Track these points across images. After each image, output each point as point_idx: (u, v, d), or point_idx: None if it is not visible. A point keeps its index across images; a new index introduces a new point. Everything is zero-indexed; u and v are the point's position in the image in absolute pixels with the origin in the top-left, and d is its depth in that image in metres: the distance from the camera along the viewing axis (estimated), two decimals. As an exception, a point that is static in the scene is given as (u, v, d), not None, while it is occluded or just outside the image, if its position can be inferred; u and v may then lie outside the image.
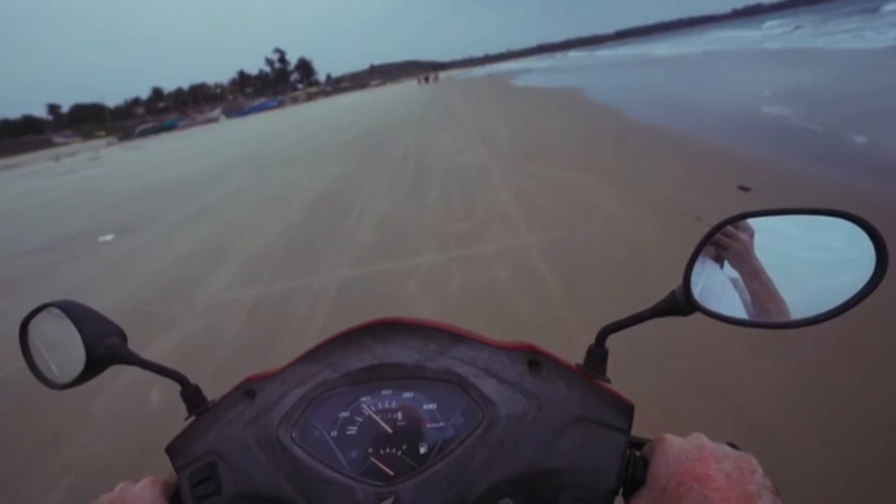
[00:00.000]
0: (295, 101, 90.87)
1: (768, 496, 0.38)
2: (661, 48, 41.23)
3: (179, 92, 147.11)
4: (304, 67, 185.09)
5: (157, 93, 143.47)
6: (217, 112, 70.39)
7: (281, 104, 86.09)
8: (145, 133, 59.88)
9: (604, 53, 59.31)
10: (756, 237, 0.45)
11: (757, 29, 44.48)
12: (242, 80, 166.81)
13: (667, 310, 0.48)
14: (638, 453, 0.48)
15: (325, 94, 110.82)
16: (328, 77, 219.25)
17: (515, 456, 0.46)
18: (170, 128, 62.37)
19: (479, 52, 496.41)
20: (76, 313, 0.54)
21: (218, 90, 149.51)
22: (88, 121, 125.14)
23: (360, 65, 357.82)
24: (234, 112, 75.12)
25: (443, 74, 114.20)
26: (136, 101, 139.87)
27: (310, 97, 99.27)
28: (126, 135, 60.84)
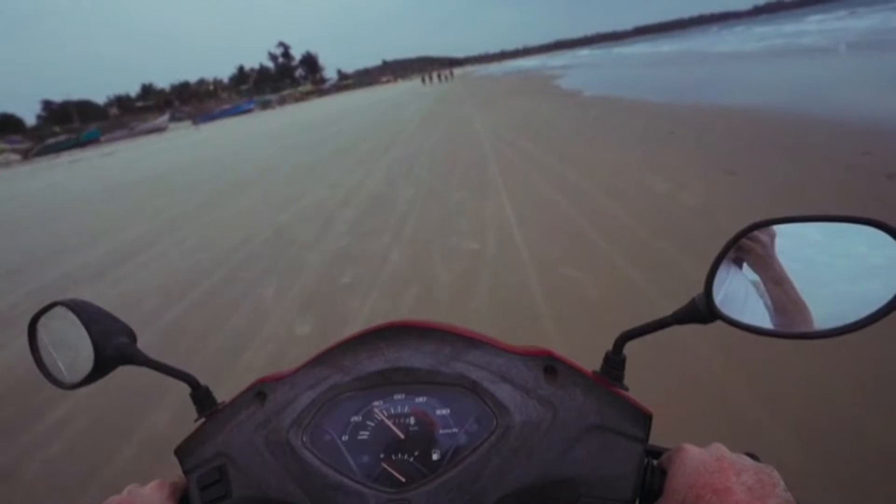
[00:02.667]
0: (283, 102, 78.43)
1: None
2: (718, 44, 32.22)
3: (172, 88, 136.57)
4: (310, 62, 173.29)
5: (146, 89, 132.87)
6: (164, 119, 58.26)
7: (266, 106, 73.79)
8: (49, 150, 46.95)
9: (641, 50, 48.85)
10: (779, 243, 0.44)
11: (801, 23, 39.58)
12: (241, 76, 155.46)
13: (687, 317, 0.47)
14: (655, 462, 0.47)
15: (319, 93, 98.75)
16: (339, 73, 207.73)
17: (530, 464, 0.45)
18: (88, 141, 50.14)
19: (494, 49, 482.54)
20: (85, 312, 0.54)
21: (211, 87, 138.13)
22: (76, 119, 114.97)
23: (373, 60, 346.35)
24: (202, 117, 63.17)
25: (457, 71, 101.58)
26: (124, 98, 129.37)
27: (301, 97, 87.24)
28: (29, 151, 48.37)
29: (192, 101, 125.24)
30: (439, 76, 60.97)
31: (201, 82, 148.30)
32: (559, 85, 20.93)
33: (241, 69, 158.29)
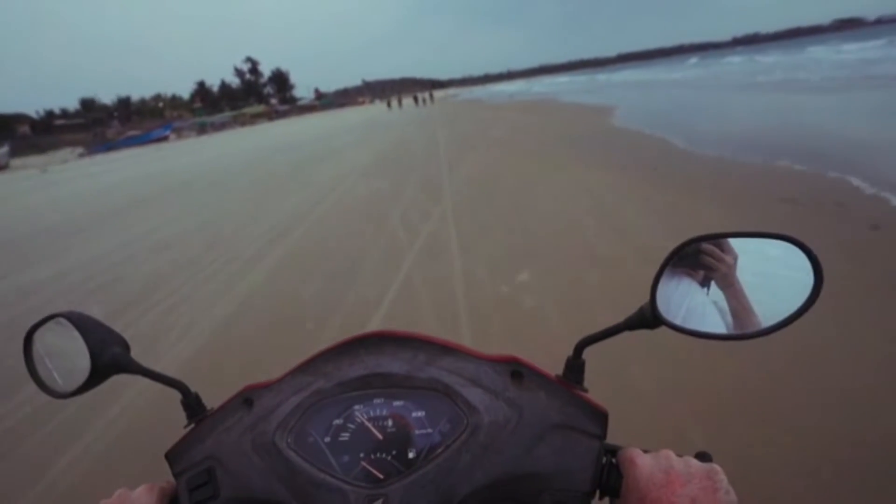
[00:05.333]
0: (221, 127, 64.63)
1: None
2: (762, 73, 23.67)
3: (117, 103, 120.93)
4: (279, 80, 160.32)
5: (85, 104, 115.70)
6: (1, 153, 44.44)
7: (203, 130, 59.92)
8: None
9: (644, 77, 40.67)
10: (709, 260, 0.49)
11: (801, 54, 38.37)
12: (201, 93, 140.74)
13: (636, 323, 0.51)
14: (613, 460, 0.50)
15: (271, 116, 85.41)
16: (316, 91, 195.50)
17: (497, 460, 0.48)
18: None
19: (477, 72, 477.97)
20: (82, 323, 0.55)
21: (160, 104, 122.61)
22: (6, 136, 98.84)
23: (356, 80, 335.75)
24: (99, 146, 49.18)
25: (439, 94, 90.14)
26: (60, 114, 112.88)
27: (249, 120, 73.77)
28: None
29: (133, 118, 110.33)
30: (415, 99, 48.53)
31: (157, 97, 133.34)
32: (660, 138, 8.19)
33: (201, 85, 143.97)
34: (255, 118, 78.91)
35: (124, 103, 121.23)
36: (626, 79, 41.79)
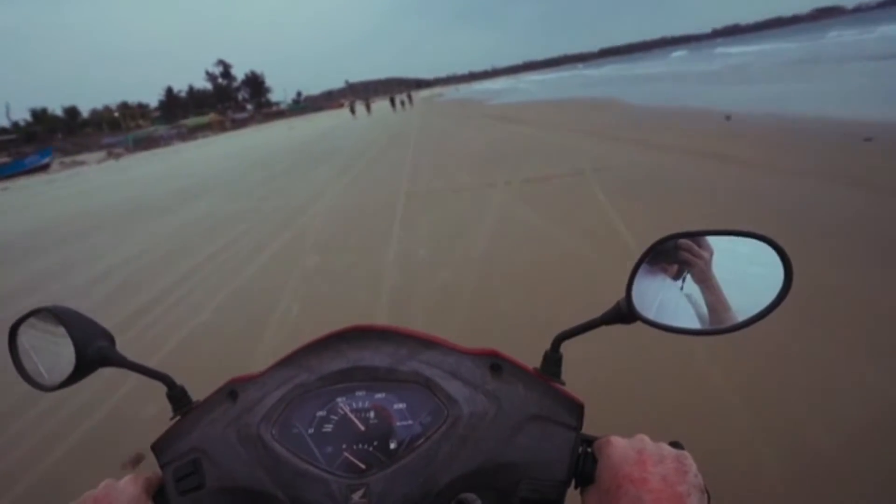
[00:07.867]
0: (148, 146, 54.58)
1: (696, 494, 0.42)
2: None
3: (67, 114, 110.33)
4: (253, 83, 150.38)
5: (36, 115, 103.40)
6: None
7: (137, 146, 50.35)
8: None
9: (635, 70, 34.87)
10: (686, 256, 0.50)
11: (825, 38, 33.70)
12: (168, 100, 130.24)
13: (612, 318, 0.53)
14: (589, 450, 0.51)
15: (224, 125, 75.67)
16: (298, 94, 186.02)
17: (476, 450, 0.49)
18: None
19: (463, 70, 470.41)
20: (67, 317, 0.55)
21: (116, 114, 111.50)
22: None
23: (340, 82, 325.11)
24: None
25: (425, 93, 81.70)
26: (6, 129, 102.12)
27: (189, 133, 64.01)
28: None
29: (86, 130, 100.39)
30: (392, 101, 40.09)
31: (124, 106, 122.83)
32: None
33: (168, 91, 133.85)
34: (195, 131, 68.16)
35: (71, 114, 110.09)
36: (637, 72, 33.49)
